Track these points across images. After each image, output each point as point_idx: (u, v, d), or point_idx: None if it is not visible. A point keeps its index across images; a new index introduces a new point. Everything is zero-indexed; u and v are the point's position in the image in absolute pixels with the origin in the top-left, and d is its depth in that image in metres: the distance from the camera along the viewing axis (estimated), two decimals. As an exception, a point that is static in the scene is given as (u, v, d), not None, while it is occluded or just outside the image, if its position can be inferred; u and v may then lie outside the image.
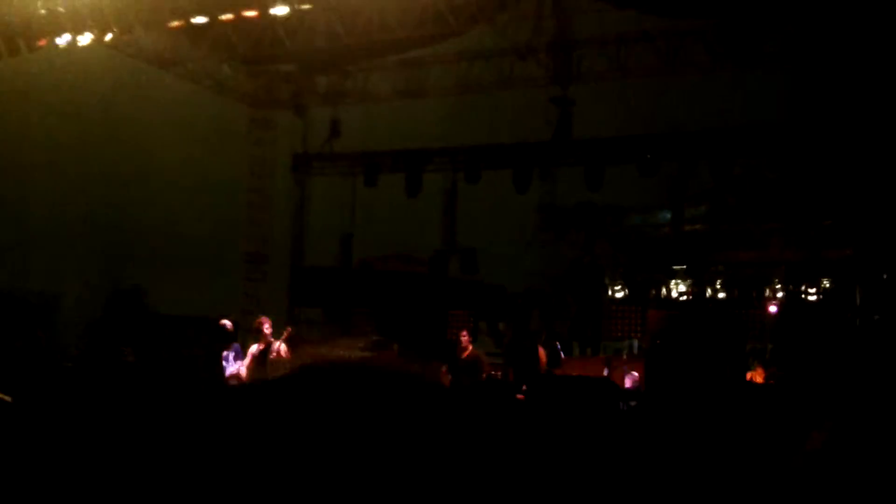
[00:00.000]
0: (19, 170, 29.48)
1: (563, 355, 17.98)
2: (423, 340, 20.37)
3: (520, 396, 13.49)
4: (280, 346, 14.29)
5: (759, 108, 23.65)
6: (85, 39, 21.46)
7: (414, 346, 18.88)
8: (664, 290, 24.47)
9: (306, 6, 21.31)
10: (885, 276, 20.46)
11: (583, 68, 23.65)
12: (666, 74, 23.38)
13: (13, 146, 28.98)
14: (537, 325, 22.25)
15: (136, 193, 31.04)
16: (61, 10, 20.87)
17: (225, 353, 14.50)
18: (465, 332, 16.39)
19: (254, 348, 14.64)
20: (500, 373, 16.79)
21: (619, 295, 24.90)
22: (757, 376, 16.38)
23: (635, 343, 21.49)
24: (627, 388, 16.49)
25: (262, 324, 14.77)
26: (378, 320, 22.96)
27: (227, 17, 22.40)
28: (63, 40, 21.37)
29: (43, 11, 21.01)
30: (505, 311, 23.43)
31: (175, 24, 21.72)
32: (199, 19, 21.32)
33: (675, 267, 25.27)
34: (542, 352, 15.87)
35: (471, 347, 16.27)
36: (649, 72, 23.54)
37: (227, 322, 14.88)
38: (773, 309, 23.37)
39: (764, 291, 25.41)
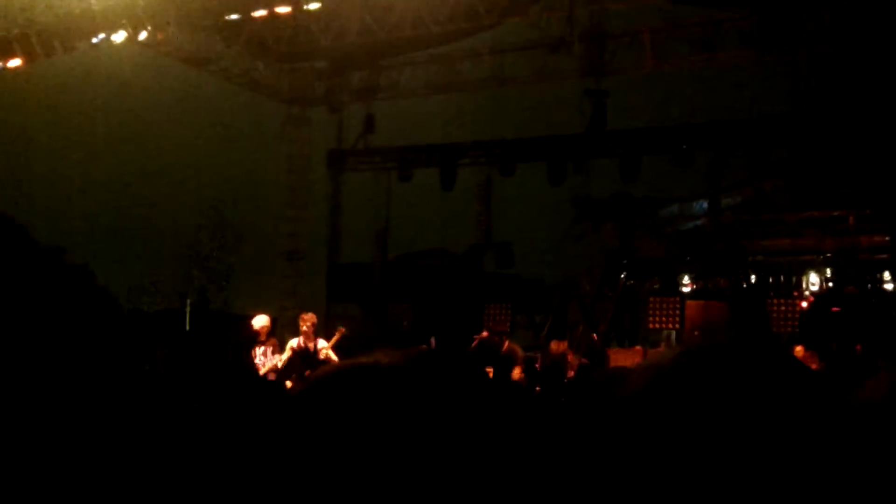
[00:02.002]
0: (54, 169, 29.76)
1: (601, 347, 17.95)
2: (461, 335, 20.37)
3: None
4: (326, 349, 14.36)
5: (794, 97, 23.47)
6: (119, 38, 21.61)
7: (451, 341, 18.93)
8: (701, 282, 24.30)
9: (339, 1, 21.39)
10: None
11: (616, 59, 23.55)
12: (700, 64, 23.25)
13: (49, 146, 29.27)
14: (575, 318, 22.22)
15: (172, 192, 31.27)
16: (96, 8, 21.03)
17: (258, 350, 14.61)
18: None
19: (293, 342, 14.71)
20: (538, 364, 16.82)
21: (657, 286, 24.73)
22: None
23: (673, 334, 21.38)
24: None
25: (304, 321, 14.85)
26: (415, 316, 23.01)
27: (261, 13, 22.52)
28: (97, 39, 21.53)
29: (77, 11, 21.19)
30: (542, 304, 23.40)
31: (209, 21, 21.84)
32: (233, 17, 21.44)
33: (711, 257, 25.11)
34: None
35: (507, 342, 16.32)
36: (683, 62, 23.42)
37: (256, 320, 15.00)
38: (809, 299, 23.19)
39: (801, 281, 25.22)
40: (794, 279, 25.00)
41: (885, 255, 22.41)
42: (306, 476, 1.26)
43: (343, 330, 15.28)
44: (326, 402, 1.32)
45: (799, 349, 16.33)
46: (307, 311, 15.81)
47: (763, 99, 23.38)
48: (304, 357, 14.27)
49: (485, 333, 16.99)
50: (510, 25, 23.06)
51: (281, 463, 1.30)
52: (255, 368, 14.21)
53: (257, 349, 14.69)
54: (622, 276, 23.29)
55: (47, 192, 30.00)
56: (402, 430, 1.23)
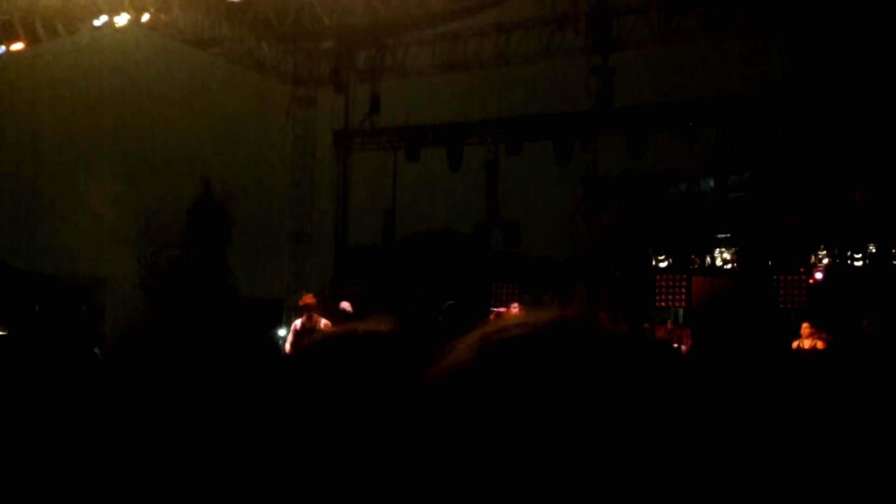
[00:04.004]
0: (64, 156, 29.77)
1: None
2: (468, 313, 20.35)
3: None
4: (325, 323, 14.38)
5: (802, 72, 23.35)
6: (122, 20, 21.55)
7: (459, 319, 18.90)
8: (708, 259, 24.26)
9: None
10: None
11: (623, 36, 23.45)
12: (707, 40, 23.14)
13: (59, 134, 29.28)
14: (582, 296, 22.20)
15: (177, 174, 31.25)
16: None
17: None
18: (515, 305, 16.45)
19: (297, 323, 14.76)
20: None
21: (664, 264, 24.71)
22: (806, 341, 16.18)
23: (680, 311, 21.36)
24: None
25: (306, 301, 14.90)
26: (422, 295, 23.01)
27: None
28: (100, 21, 21.47)
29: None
30: (550, 284, 23.38)
31: (212, 2, 21.77)
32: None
33: (719, 235, 25.06)
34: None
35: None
36: (690, 37, 23.32)
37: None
38: (818, 275, 23.12)
39: (809, 257, 25.14)
40: (801, 255, 24.94)
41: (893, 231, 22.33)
42: (301, 439, 1.25)
43: (347, 305, 15.34)
44: (322, 366, 1.31)
45: (805, 325, 16.28)
46: (311, 292, 15.88)
47: (771, 74, 23.26)
48: (309, 336, 14.28)
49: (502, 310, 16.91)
50: (515, 2, 23.00)
51: (277, 426, 1.29)
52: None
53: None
54: (629, 254, 23.25)
55: (52, 176, 30.04)
56: (397, 395, 1.21)
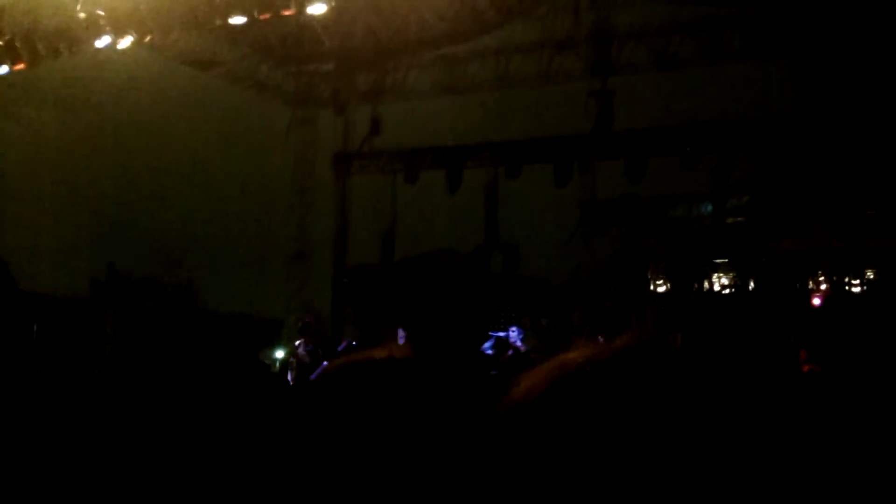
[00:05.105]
0: (61, 172, 29.78)
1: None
2: (467, 336, 20.37)
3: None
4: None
5: (801, 96, 23.41)
6: (125, 42, 21.62)
7: (457, 343, 18.91)
8: (707, 283, 24.28)
9: (344, 3, 21.34)
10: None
11: (622, 60, 23.55)
12: (706, 64, 23.24)
13: (54, 149, 29.29)
14: (580, 320, 22.20)
15: (179, 195, 31.29)
16: (101, 12, 21.03)
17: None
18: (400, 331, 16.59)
19: (298, 345, 14.74)
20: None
21: (662, 288, 24.72)
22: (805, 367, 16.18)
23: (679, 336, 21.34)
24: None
25: (306, 322, 14.91)
26: (421, 318, 22.98)
27: (265, 15, 22.52)
28: (102, 43, 21.52)
29: (82, 15, 21.18)
30: (548, 307, 23.38)
31: (214, 24, 21.83)
32: (238, 19, 21.41)
33: (717, 259, 25.09)
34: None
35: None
36: (689, 62, 23.41)
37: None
38: (817, 301, 23.14)
39: (808, 282, 25.17)
40: (800, 280, 24.96)
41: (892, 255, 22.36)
42: (316, 465, 1.26)
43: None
44: (341, 393, 1.33)
45: (802, 353, 16.29)
46: (311, 313, 15.89)
47: (769, 99, 23.32)
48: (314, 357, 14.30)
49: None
50: (516, 26, 23.04)
51: (293, 452, 1.30)
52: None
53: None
54: (627, 276, 23.25)
55: (55, 191, 30.04)
56: (415, 421, 1.22)
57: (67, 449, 1.98)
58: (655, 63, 23.31)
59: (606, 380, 0.91)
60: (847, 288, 22.99)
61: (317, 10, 21.15)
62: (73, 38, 21.63)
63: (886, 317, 20.03)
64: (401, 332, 15.36)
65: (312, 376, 14.18)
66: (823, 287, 24.34)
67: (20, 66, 22.25)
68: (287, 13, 21.85)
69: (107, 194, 31.00)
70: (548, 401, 0.92)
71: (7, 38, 21.63)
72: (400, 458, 1.21)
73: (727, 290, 22.89)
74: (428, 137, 26.00)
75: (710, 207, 24.31)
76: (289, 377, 14.55)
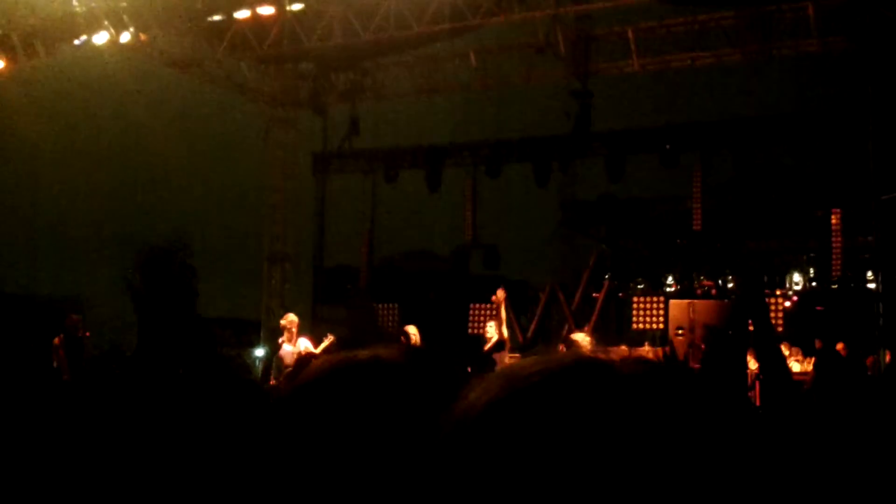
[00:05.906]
0: (43, 177, 29.66)
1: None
2: (447, 335, 20.39)
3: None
4: (311, 349, 14.27)
5: (778, 98, 23.57)
6: (101, 39, 21.51)
7: (437, 342, 18.91)
8: (686, 281, 24.40)
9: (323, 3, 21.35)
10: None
11: (601, 61, 23.62)
12: (685, 64, 23.34)
13: (33, 154, 29.16)
14: (560, 319, 22.22)
15: (156, 195, 31.18)
16: (78, 10, 20.94)
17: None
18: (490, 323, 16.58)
19: (283, 343, 14.65)
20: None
21: (641, 286, 24.81)
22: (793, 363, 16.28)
23: (658, 334, 21.42)
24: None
25: (287, 322, 14.84)
26: (402, 316, 22.97)
27: (244, 15, 22.48)
28: (80, 41, 21.44)
29: (60, 13, 21.09)
30: (528, 306, 23.40)
31: (192, 23, 21.77)
32: (216, 18, 21.37)
33: (696, 257, 25.24)
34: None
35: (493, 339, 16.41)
36: (668, 63, 23.51)
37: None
38: (793, 298, 23.29)
39: (785, 280, 25.36)
40: (777, 278, 25.13)
41: (867, 255, 22.51)
42: (304, 473, 1.25)
43: (332, 338, 15.20)
44: (327, 398, 1.31)
45: (782, 347, 16.37)
46: (291, 312, 15.79)
47: (748, 100, 23.45)
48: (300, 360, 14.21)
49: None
50: (495, 26, 23.05)
51: (279, 460, 1.29)
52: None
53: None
54: (607, 276, 23.31)
55: (26, 195, 29.89)
56: (404, 425, 1.22)
57: (51, 456, 1.98)
58: (634, 64, 23.37)
59: (552, 395, 0.88)
60: (823, 286, 23.21)
61: (295, 6, 21.13)
62: (51, 37, 21.54)
63: (861, 313, 20.12)
64: (408, 330, 15.29)
65: (294, 378, 14.13)
66: (798, 285, 24.60)
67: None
68: (266, 12, 21.87)
69: (80, 194, 30.87)
70: (489, 416, 0.89)
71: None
72: (390, 465, 1.21)
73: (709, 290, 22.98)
74: (407, 137, 26.01)
75: (688, 207, 24.45)
76: (270, 377, 14.51)
